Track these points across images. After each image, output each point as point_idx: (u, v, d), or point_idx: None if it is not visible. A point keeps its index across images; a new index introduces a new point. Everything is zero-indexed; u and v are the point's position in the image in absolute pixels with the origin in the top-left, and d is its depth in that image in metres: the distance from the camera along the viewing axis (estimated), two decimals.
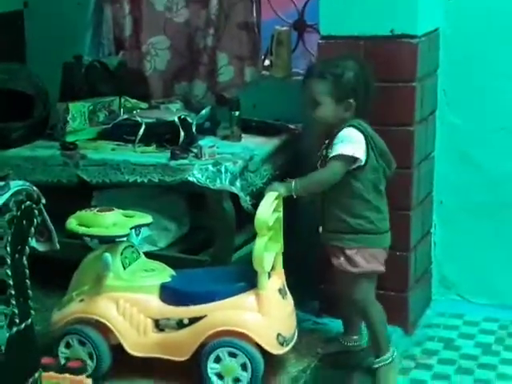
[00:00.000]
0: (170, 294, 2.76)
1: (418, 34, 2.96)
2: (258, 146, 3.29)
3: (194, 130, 3.26)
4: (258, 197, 3.02)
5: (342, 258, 2.77)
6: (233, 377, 2.68)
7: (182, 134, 3.20)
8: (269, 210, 2.63)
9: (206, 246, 3.23)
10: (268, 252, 2.68)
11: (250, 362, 2.65)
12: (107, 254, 2.75)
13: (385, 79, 2.90)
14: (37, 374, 2.35)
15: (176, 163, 3.07)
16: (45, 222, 2.37)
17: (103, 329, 2.76)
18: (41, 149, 3.35)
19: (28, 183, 2.33)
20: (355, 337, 2.98)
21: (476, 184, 3.30)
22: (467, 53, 3.20)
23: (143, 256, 2.92)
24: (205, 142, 3.25)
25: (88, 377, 2.60)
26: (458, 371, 2.93)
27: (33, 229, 2.31)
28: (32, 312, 2.33)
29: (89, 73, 3.59)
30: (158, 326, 2.76)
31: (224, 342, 2.67)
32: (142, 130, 3.25)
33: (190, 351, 2.70)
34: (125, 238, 2.82)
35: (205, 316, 2.70)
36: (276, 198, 2.69)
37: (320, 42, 3.09)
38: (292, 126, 3.46)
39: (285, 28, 3.61)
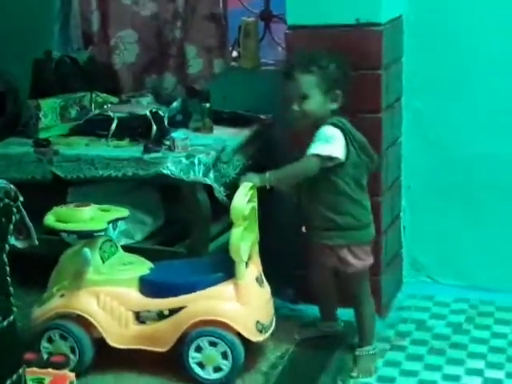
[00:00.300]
0: (149, 286, 2.78)
1: (382, 21, 2.97)
2: (230, 136, 3.30)
3: (165, 123, 3.25)
4: (231, 187, 3.04)
5: (334, 258, 2.79)
6: (214, 365, 2.71)
7: (155, 127, 3.19)
8: (244, 200, 2.65)
9: (181, 237, 3.22)
10: (244, 242, 2.69)
11: (231, 350, 2.68)
12: (86, 249, 2.76)
13: (351, 67, 2.87)
14: (20, 370, 2.32)
15: (149, 156, 3.07)
16: (23, 219, 2.33)
17: (85, 323, 2.78)
18: (14, 146, 3.33)
19: (5, 181, 2.30)
20: (332, 323, 3.01)
21: (442, 167, 3.34)
22: (431, 39, 3.23)
23: (121, 250, 2.93)
24: (177, 134, 3.22)
25: (71, 371, 2.58)
26: (431, 351, 2.96)
27: (11, 226, 2.28)
28: (14, 309, 2.29)
29: (59, 68, 3.56)
30: (139, 318, 2.78)
31: (204, 332, 2.70)
32: (114, 125, 3.25)
33: (171, 342, 2.73)
34: (103, 233, 2.80)
35: (184, 307, 2.73)
36: (251, 189, 2.70)
37: (287, 32, 3.10)
38: (262, 117, 3.48)
39: (251, 19, 3.61)
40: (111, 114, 3.31)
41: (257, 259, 2.83)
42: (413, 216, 3.42)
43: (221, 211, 3.06)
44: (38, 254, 2.65)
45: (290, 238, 3.08)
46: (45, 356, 2.73)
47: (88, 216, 2.79)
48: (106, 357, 2.79)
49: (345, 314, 2.99)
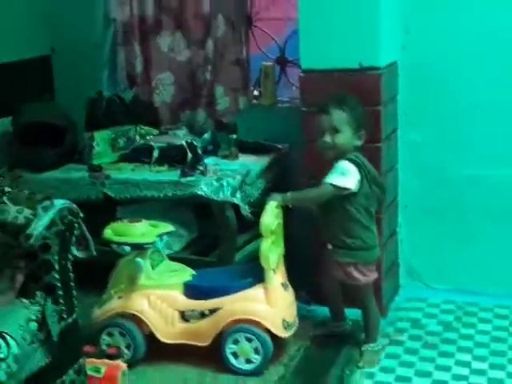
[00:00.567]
0: (192, 290, 2.79)
1: (381, 66, 2.97)
2: (253, 163, 3.31)
3: (199, 151, 3.27)
4: (255, 206, 3.10)
5: (341, 272, 2.79)
6: (246, 357, 2.72)
7: (190, 155, 3.22)
8: (272, 217, 2.69)
9: (212, 248, 3.24)
10: (272, 252, 2.71)
11: (262, 346, 2.69)
12: (139, 259, 2.78)
13: None
14: (81, 360, 2.38)
15: (186, 180, 3.10)
16: (83, 233, 2.39)
17: (138, 321, 2.80)
18: (72, 171, 3.35)
19: (68, 201, 2.36)
20: (341, 322, 3.00)
21: (433, 189, 3.31)
22: (422, 80, 3.21)
23: (167, 259, 2.94)
24: (208, 161, 3.27)
25: (126, 362, 2.61)
26: (425, 346, 2.95)
27: (74, 239, 2.34)
28: (76, 308, 2.37)
29: (109, 105, 3.58)
30: (184, 317, 2.78)
31: (240, 329, 2.72)
32: (155, 153, 3.28)
33: (211, 337, 2.75)
34: (152, 245, 2.82)
35: (222, 307, 2.73)
36: (276, 207, 2.72)
37: (301, 74, 3.09)
38: (279, 146, 3.47)
39: (270, 63, 3.63)
40: (153, 144, 3.34)
41: (282, 268, 2.84)
42: (408, 231, 3.40)
43: (245, 226, 3.13)
44: (92, 262, 2.62)
45: (305, 250, 3.09)
46: (104, 348, 2.73)
47: (140, 231, 2.82)
48: (156, 349, 2.80)
49: (352, 313, 2.97)
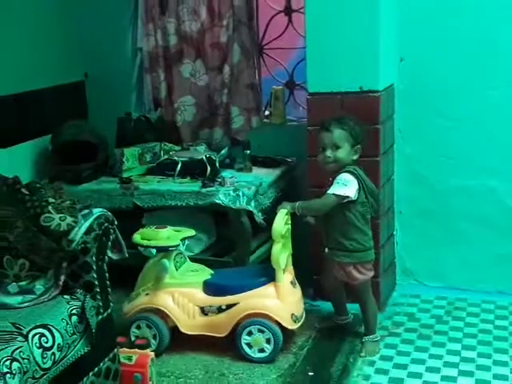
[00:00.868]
0: (211, 287, 2.81)
1: (380, 89, 2.98)
2: (265, 175, 3.32)
3: (217, 165, 3.28)
4: (266, 213, 3.12)
5: (342, 272, 2.80)
6: (258, 347, 2.73)
7: (209, 168, 3.23)
8: (282, 223, 2.70)
9: (229, 251, 3.24)
10: (282, 254, 2.73)
11: (273, 336, 2.70)
12: (165, 260, 2.80)
13: None
14: (116, 349, 2.43)
15: (206, 190, 3.11)
16: (117, 237, 2.43)
17: (163, 315, 2.82)
18: (104, 183, 3.35)
19: (105, 210, 2.41)
20: (344, 316, 3.01)
21: (425, 197, 3.32)
22: (414, 101, 3.23)
23: (189, 260, 2.95)
24: (226, 173, 3.27)
25: (153, 351, 2.62)
26: (419, 337, 2.96)
27: (110, 243, 2.39)
28: (111, 304, 2.41)
29: (136, 125, 3.58)
30: (203, 311, 2.80)
31: (254, 322, 2.73)
32: (179, 167, 3.27)
33: (228, 329, 2.76)
34: (176, 248, 2.83)
35: (238, 303, 2.75)
36: (286, 214, 2.75)
37: (308, 97, 3.09)
38: (288, 160, 3.48)
39: (279, 87, 3.62)
40: (176, 158, 3.34)
41: (291, 267, 2.87)
42: (403, 234, 3.40)
43: (258, 231, 3.15)
44: (121, 264, 2.62)
45: (311, 252, 3.11)
46: (133, 339, 2.76)
47: (165, 235, 2.83)
48: (179, 340, 2.82)
49: (354, 308, 2.97)
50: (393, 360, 2.79)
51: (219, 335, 2.78)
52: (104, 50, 3.72)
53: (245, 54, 3.58)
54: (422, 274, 3.43)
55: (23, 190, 2.33)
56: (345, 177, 2.70)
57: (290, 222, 2.78)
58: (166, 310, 2.80)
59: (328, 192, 2.71)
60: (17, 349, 1.98)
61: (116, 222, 2.42)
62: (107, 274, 2.38)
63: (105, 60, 3.73)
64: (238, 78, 3.60)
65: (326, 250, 2.84)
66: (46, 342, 2.07)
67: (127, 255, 2.49)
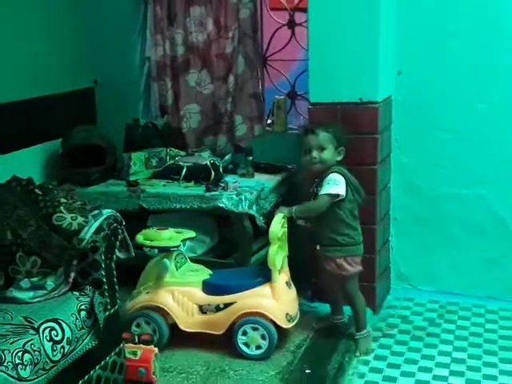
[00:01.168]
0: (209, 287, 2.82)
1: (379, 100, 3.00)
2: (267, 180, 3.33)
3: (220, 170, 3.30)
4: (268, 217, 3.09)
5: (334, 265, 2.82)
6: (255, 344, 2.74)
7: (213, 173, 3.24)
8: (278, 226, 2.72)
9: (231, 252, 3.25)
10: (278, 256, 2.74)
11: (268, 334, 2.72)
12: (166, 260, 2.82)
13: (356, 132, 2.95)
14: (121, 344, 2.45)
15: (209, 194, 3.12)
16: (125, 237, 2.46)
17: (163, 312, 2.83)
18: (112, 186, 3.35)
19: (114, 211, 2.43)
20: (340, 316, 3.01)
21: (420, 204, 3.33)
22: (411, 112, 3.24)
23: (189, 260, 2.97)
24: (229, 178, 3.29)
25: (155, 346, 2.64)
26: (413, 338, 2.98)
27: (118, 243, 2.42)
28: (118, 301, 2.43)
29: (144, 131, 3.60)
30: (202, 309, 2.81)
31: (251, 320, 2.73)
32: (184, 171, 3.28)
33: (225, 327, 2.77)
34: (177, 248, 2.85)
35: (235, 302, 2.76)
36: (283, 218, 2.77)
37: (310, 107, 3.10)
38: (289, 166, 3.49)
39: (282, 97, 3.65)
40: (181, 163, 3.35)
41: (286, 268, 2.88)
42: (398, 240, 3.42)
43: (260, 234, 3.14)
44: (124, 263, 2.60)
45: (308, 254, 3.08)
46: (136, 335, 2.73)
47: (167, 236, 2.84)
48: (178, 337, 2.83)
49: (349, 310, 2.97)
50: (387, 360, 2.82)
51: (216, 333, 2.79)
52: (113, 58, 3.74)
53: (249, 64, 3.61)
54: (415, 279, 3.44)
55: (36, 191, 2.36)
56: (334, 177, 2.75)
57: (286, 225, 2.80)
58: (165, 308, 2.81)
59: (321, 194, 2.75)
60: (28, 341, 2.01)
61: (124, 223, 2.45)
62: (115, 272, 2.41)
63: (114, 68, 3.74)
64: (241, 88, 3.62)
65: (318, 247, 2.86)
66: (56, 336, 2.10)
67: (134, 254, 2.51)
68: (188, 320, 2.81)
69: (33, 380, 1.98)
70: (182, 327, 2.82)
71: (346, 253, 2.81)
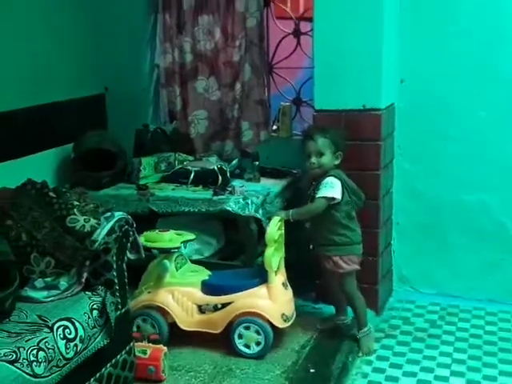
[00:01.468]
0: (208, 287, 2.83)
1: (382, 107, 3.00)
2: (272, 185, 3.34)
3: (228, 175, 3.31)
4: None
5: (331, 263, 2.83)
6: (250, 343, 2.75)
7: (220, 177, 3.25)
8: (275, 229, 2.73)
9: (237, 254, 3.26)
10: (274, 258, 2.75)
11: (264, 334, 2.73)
12: (166, 261, 2.83)
13: (359, 139, 2.97)
14: (132, 343, 2.46)
15: (217, 198, 3.13)
16: (136, 239, 2.48)
17: (163, 312, 2.84)
18: (122, 189, 3.37)
19: (125, 213, 2.44)
20: (343, 317, 3.02)
21: (421, 209, 3.34)
22: (413, 119, 3.25)
23: (189, 261, 2.97)
24: (236, 183, 3.30)
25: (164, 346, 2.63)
26: (414, 339, 2.99)
27: (129, 244, 2.43)
28: (128, 300, 2.45)
29: (153, 136, 3.61)
30: (201, 309, 2.82)
31: (247, 320, 2.74)
32: (192, 176, 3.29)
33: (223, 326, 2.78)
34: (177, 250, 2.86)
35: (232, 302, 2.77)
36: (279, 221, 2.78)
37: (315, 114, 3.10)
38: (294, 171, 3.50)
39: (287, 103, 3.66)
40: (189, 168, 3.36)
41: (283, 270, 2.86)
42: (400, 244, 3.42)
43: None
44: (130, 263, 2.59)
45: (313, 257, 3.06)
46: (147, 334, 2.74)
47: (167, 238, 2.84)
48: (177, 335, 2.83)
49: (351, 312, 2.97)
50: (389, 360, 2.83)
51: (214, 332, 2.80)
52: (123, 65, 3.76)
53: (255, 72, 3.63)
54: (417, 282, 3.45)
55: (51, 194, 2.38)
56: (330, 180, 2.77)
57: (283, 228, 2.81)
58: (165, 307, 2.82)
59: (317, 196, 2.77)
60: (43, 339, 2.03)
61: (135, 225, 2.46)
62: (126, 273, 2.42)
63: (124, 75, 3.76)
64: (248, 95, 3.64)
65: (311, 246, 2.89)
66: (70, 334, 2.12)
67: (144, 256, 2.52)
68: (187, 319, 2.83)
69: (47, 377, 2.00)
70: (182, 326, 2.83)
71: (343, 252, 2.82)
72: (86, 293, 2.32)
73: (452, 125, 3.23)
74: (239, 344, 2.77)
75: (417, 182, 3.34)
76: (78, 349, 2.14)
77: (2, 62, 3.10)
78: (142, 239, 2.79)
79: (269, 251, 2.73)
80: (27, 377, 1.92)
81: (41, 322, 2.10)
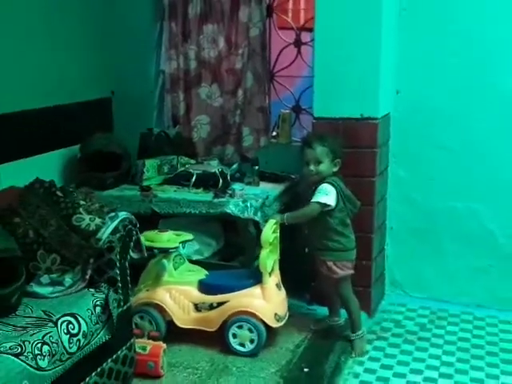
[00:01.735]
0: (204, 286, 2.85)
1: (378, 116, 3.02)
2: (271, 189, 3.33)
3: (228, 178, 3.31)
4: None
5: (325, 268, 2.84)
6: (244, 342, 2.76)
7: (221, 181, 3.25)
8: (270, 232, 2.74)
9: (236, 256, 3.26)
10: (269, 259, 2.76)
11: (257, 332, 2.75)
12: (165, 260, 2.84)
13: (356, 146, 2.98)
14: (132, 339, 2.47)
15: (217, 200, 3.12)
16: (138, 238, 2.49)
17: (161, 309, 2.85)
18: (126, 190, 3.35)
19: (129, 213, 2.45)
20: (336, 318, 3.03)
21: (415, 215, 3.34)
22: (408, 129, 3.26)
23: (187, 261, 2.98)
24: (236, 186, 3.29)
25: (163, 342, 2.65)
26: (405, 341, 3.00)
27: (132, 244, 2.44)
28: (131, 298, 2.46)
29: (157, 139, 3.61)
30: (197, 307, 2.84)
31: (241, 319, 2.76)
32: (193, 178, 3.28)
33: (218, 325, 2.80)
34: (175, 250, 2.86)
35: (227, 301, 2.79)
36: (274, 224, 2.79)
37: (313, 121, 3.11)
38: (292, 176, 3.48)
39: (287, 111, 3.66)
40: (191, 171, 3.34)
41: (277, 271, 2.87)
42: (393, 249, 3.43)
43: None
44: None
45: (308, 260, 3.08)
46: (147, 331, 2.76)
47: (166, 238, 2.85)
48: (174, 333, 2.84)
49: (345, 314, 2.98)
50: (380, 361, 2.84)
51: (210, 329, 2.81)
52: (130, 71, 3.76)
53: (257, 80, 3.63)
54: (408, 286, 3.46)
55: (58, 193, 2.39)
56: (326, 187, 2.77)
57: (278, 231, 2.81)
58: (163, 305, 2.83)
59: (312, 201, 2.78)
60: (47, 334, 2.04)
61: (138, 225, 2.47)
62: (128, 271, 2.43)
63: (130, 80, 3.76)
64: (250, 101, 3.64)
65: (306, 250, 2.90)
66: (73, 329, 2.13)
67: (146, 255, 2.53)
68: (184, 317, 2.83)
69: (50, 370, 2.01)
70: (178, 323, 2.83)
71: (336, 257, 2.83)
72: (90, 289, 2.33)
73: (445, 135, 3.25)
74: (234, 343, 2.78)
75: (410, 188, 3.35)
76: (81, 344, 2.15)
77: (16, 65, 3.11)
78: (141, 239, 2.78)
79: (264, 253, 2.74)
80: (32, 370, 1.93)
81: (46, 316, 2.12)
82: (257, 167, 3.43)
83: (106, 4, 3.66)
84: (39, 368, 1.96)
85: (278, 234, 2.83)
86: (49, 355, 2.00)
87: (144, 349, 2.57)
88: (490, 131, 3.18)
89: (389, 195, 3.38)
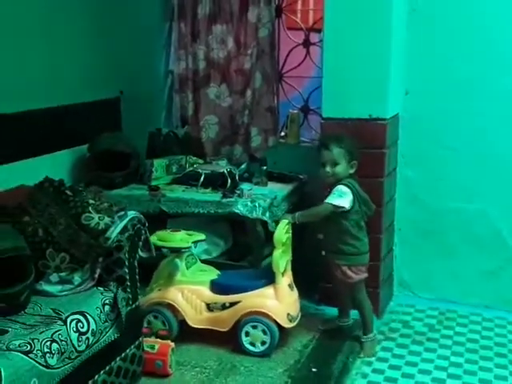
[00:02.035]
0: (217, 286, 2.84)
1: (387, 117, 3.01)
2: (279, 189, 3.34)
3: (236, 178, 3.31)
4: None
5: (340, 272, 2.82)
6: (257, 342, 2.75)
7: (229, 181, 3.26)
8: (282, 232, 2.73)
9: (244, 255, 3.26)
10: (281, 260, 2.75)
11: (270, 333, 2.73)
12: (177, 260, 2.84)
13: (365, 147, 2.93)
14: (140, 338, 2.47)
15: (226, 200, 3.13)
16: (147, 237, 2.48)
17: (173, 309, 2.84)
18: (134, 190, 3.37)
19: (138, 213, 2.45)
20: (346, 319, 3.02)
21: (423, 216, 3.33)
22: (417, 129, 3.25)
23: (199, 261, 2.98)
24: (244, 186, 3.29)
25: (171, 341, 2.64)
26: (413, 342, 2.99)
27: (141, 243, 2.44)
28: (139, 296, 2.45)
29: (165, 139, 3.62)
30: (209, 307, 2.83)
31: (254, 319, 2.75)
32: (202, 178, 3.30)
33: (230, 325, 2.79)
34: (188, 249, 2.86)
35: (240, 301, 2.78)
36: (287, 224, 2.77)
37: (322, 122, 3.11)
38: (300, 176, 3.49)
39: (295, 111, 3.67)
40: (200, 170, 3.36)
41: (289, 272, 2.87)
42: (401, 249, 3.41)
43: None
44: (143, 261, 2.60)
45: (317, 260, 3.08)
46: (155, 330, 2.76)
47: (178, 238, 2.85)
48: (186, 332, 2.84)
49: (354, 313, 2.99)
50: (388, 361, 2.83)
51: (222, 329, 2.81)
52: (138, 71, 3.76)
53: (266, 80, 3.64)
54: (416, 286, 3.44)
55: (67, 192, 2.39)
56: (341, 188, 2.75)
57: (290, 231, 2.81)
58: (175, 305, 2.83)
59: (326, 201, 2.76)
60: (56, 332, 2.04)
61: (147, 224, 2.47)
62: (137, 270, 2.43)
63: (139, 80, 3.76)
64: (258, 102, 3.65)
65: (323, 252, 2.89)
66: (82, 327, 2.13)
67: (155, 254, 2.53)
68: (196, 317, 2.83)
69: (59, 368, 2.01)
70: (191, 323, 2.83)
71: (351, 262, 2.81)
72: (99, 288, 2.33)
73: (454, 135, 3.23)
74: (245, 342, 2.77)
75: (419, 189, 3.33)
76: (90, 342, 2.15)
77: (27, 65, 3.13)
78: (154, 238, 2.81)
79: (276, 253, 2.73)
80: (40, 367, 1.93)
81: (55, 315, 2.12)
82: (265, 167, 3.43)
83: (115, 4, 3.67)
84: (48, 366, 1.96)
85: (291, 235, 2.82)
86: (58, 353, 2.00)
87: (152, 347, 2.57)
88: (499, 132, 3.17)
89: (397, 196, 3.37)
